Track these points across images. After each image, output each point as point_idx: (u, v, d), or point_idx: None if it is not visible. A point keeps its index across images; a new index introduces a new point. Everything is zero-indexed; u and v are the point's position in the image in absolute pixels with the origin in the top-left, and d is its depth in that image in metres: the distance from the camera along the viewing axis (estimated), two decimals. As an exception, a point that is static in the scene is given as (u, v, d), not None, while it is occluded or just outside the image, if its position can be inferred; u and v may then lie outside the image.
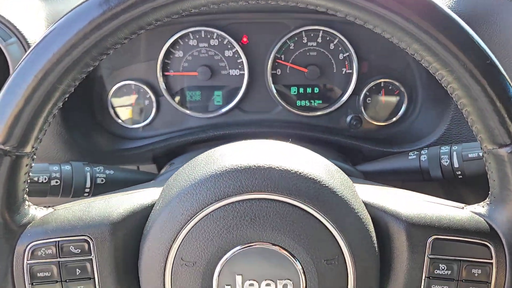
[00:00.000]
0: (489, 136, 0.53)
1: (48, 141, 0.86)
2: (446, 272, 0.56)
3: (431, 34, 0.51)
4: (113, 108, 0.96)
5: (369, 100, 0.97)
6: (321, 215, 0.53)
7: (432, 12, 0.51)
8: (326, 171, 0.57)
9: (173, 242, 0.53)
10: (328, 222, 0.53)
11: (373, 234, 0.56)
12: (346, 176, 0.61)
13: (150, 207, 0.58)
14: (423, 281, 0.56)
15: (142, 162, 0.95)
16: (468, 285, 0.56)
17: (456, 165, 0.71)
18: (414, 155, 0.77)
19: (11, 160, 0.53)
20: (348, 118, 0.96)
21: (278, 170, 0.54)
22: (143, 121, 0.97)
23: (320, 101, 0.98)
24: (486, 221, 0.56)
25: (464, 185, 0.85)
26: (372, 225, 0.57)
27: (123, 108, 0.97)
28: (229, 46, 0.94)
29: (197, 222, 0.53)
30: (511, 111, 0.51)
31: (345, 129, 0.97)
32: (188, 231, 0.53)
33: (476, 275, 0.56)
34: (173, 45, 0.94)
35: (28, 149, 0.54)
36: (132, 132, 0.98)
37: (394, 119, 0.97)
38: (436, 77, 0.54)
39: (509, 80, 0.52)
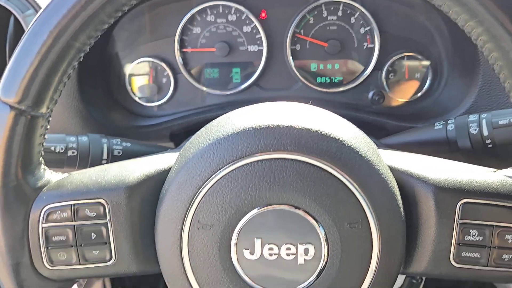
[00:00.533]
0: None
1: (66, 116, 0.85)
2: (477, 238, 0.53)
3: None
4: (131, 85, 0.95)
5: (392, 76, 0.94)
6: (344, 176, 0.51)
7: None
8: (349, 132, 0.54)
9: (190, 204, 0.52)
10: (351, 183, 0.51)
11: (399, 198, 0.53)
12: (371, 140, 0.58)
13: (167, 171, 0.57)
14: (452, 248, 0.53)
15: (159, 140, 0.94)
16: (502, 252, 0.53)
17: (485, 133, 0.68)
18: (440, 125, 0.74)
19: (26, 120, 0.52)
20: (370, 94, 0.93)
21: (298, 129, 0.52)
22: (161, 99, 0.96)
23: (341, 78, 0.95)
24: None
25: (494, 156, 0.80)
26: (397, 188, 0.54)
27: (141, 85, 0.96)
28: (247, 22, 0.93)
29: (214, 183, 0.51)
30: None
31: (367, 105, 0.94)
32: (206, 193, 0.51)
33: (510, 241, 0.52)
34: (190, 21, 0.93)
35: (43, 109, 0.53)
36: (150, 110, 0.97)
37: (419, 94, 0.93)
38: (466, 31, 0.51)
39: None
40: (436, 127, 0.74)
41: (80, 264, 0.55)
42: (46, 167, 0.57)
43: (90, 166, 0.75)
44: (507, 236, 0.52)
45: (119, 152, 0.75)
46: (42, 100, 0.52)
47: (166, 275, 0.54)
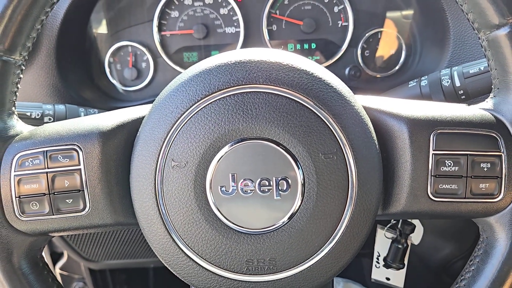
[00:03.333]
0: (485, 19, 0.51)
1: (43, 93, 0.85)
2: (453, 168, 0.53)
3: None
4: (111, 70, 0.96)
5: (367, 52, 0.96)
6: (316, 107, 0.51)
7: None
8: (321, 69, 0.55)
9: (164, 142, 0.51)
10: (325, 114, 0.51)
11: (373, 132, 0.53)
12: (343, 82, 0.59)
13: (141, 119, 0.56)
14: (429, 180, 0.53)
15: None
16: (478, 182, 0.53)
17: (457, 84, 0.69)
18: (414, 82, 0.75)
19: None
20: (347, 70, 0.95)
21: (269, 63, 0.52)
22: (141, 83, 0.97)
23: (318, 57, 0.97)
24: (491, 113, 0.54)
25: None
26: (371, 124, 0.54)
27: (121, 70, 0.97)
28: (224, 4, 0.95)
29: (187, 120, 0.51)
30: None
31: (345, 81, 0.95)
32: (179, 130, 0.51)
33: (485, 169, 0.52)
34: (168, 4, 0.95)
35: (16, 55, 0.53)
36: (130, 94, 0.97)
37: (396, 68, 0.95)
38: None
39: None
40: (410, 85, 0.75)
41: (53, 214, 0.53)
42: (19, 119, 0.56)
43: (67, 135, 0.74)
44: (482, 165, 0.52)
45: (96, 122, 0.75)
46: (15, 45, 0.52)
47: (141, 221, 0.53)
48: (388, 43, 0.95)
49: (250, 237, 0.51)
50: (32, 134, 0.55)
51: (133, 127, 0.55)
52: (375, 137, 0.53)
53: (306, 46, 0.97)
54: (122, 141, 0.54)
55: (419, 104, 0.56)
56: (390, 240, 0.84)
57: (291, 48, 0.97)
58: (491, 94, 0.55)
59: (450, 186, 0.53)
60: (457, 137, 0.53)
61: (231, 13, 0.95)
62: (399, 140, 0.53)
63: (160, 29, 0.95)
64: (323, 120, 0.51)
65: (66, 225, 0.54)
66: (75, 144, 0.53)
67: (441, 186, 0.53)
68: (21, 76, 0.55)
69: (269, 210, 0.51)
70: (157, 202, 0.51)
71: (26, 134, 0.55)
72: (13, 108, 0.55)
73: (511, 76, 0.51)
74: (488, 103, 0.55)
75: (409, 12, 0.94)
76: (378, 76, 0.96)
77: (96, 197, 0.53)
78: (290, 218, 0.51)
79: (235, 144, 0.50)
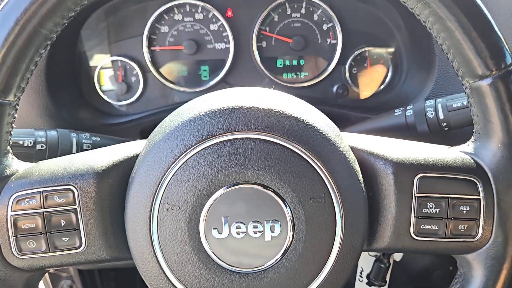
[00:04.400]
0: (468, 70, 0.53)
1: (34, 114, 0.85)
2: (434, 210, 0.55)
3: None
4: (100, 84, 0.96)
5: (355, 70, 0.98)
6: (306, 154, 0.53)
7: None
8: (311, 113, 0.57)
9: (159, 185, 0.53)
10: (314, 160, 0.53)
11: (360, 174, 0.56)
12: (332, 122, 0.60)
13: (136, 157, 0.57)
14: (412, 221, 0.55)
15: (130, 137, 0.94)
16: (458, 223, 0.55)
17: (441, 116, 0.72)
18: (399, 111, 0.77)
19: None
20: (335, 88, 0.96)
21: (261, 109, 0.54)
22: (130, 98, 0.97)
23: (307, 73, 0.98)
24: (472, 157, 0.56)
25: (453, 140, 0.84)
26: (358, 166, 0.56)
27: (110, 85, 0.97)
28: (214, 20, 0.95)
29: (181, 164, 0.52)
30: (487, 40, 0.51)
31: (333, 99, 0.97)
32: (173, 174, 0.52)
33: (464, 212, 0.55)
34: (158, 20, 0.95)
35: (10, 97, 0.53)
36: (119, 109, 0.98)
37: (382, 87, 0.97)
38: (415, 14, 0.54)
39: (484, 9, 0.52)
40: (396, 114, 0.77)
41: (49, 252, 0.54)
42: (14, 157, 0.57)
43: (59, 161, 0.75)
44: (462, 207, 0.55)
45: (88, 146, 0.76)
46: (9, 87, 0.53)
47: (136, 259, 0.55)
48: (376, 62, 0.97)
49: (242, 276, 0.54)
50: (27, 173, 0.55)
51: (127, 165, 0.57)
52: (361, 179, 0.55)
53: (295, 62, 0.98)
54: (117, 179, 0.56)
55: (404, 146, 0.58)
56: (374, 258, 0.88)
57: (280, 64, 0.98)
58: (472, 138, 0.58)
59: (431, 227, 0.56)
60: (439, 181, 0.55)
61: (221, 29, 0.96)
62: (385, 182, 0.56)
63: (150, 43, 0.95)
64: (313, 166, 0.53)
65: (62, 261, 0.56)
66: (70, 185, 0.54)
67: (422, 226, 0.56)
68: (16, 115, 0.56)
69: (260, 251, 0.53)
70: (151, 242, 0.53)
71: (22, 173, 0.56)
72: (8, 147, 0.56)
73: (492, 125, 0.54)
74: (469, 146, 0.58)
75: (398, 33, 0.95)
76: (365, 94, 0.98)
77: (91, 235, 0.54)
78: (280, 258, 0.53)
79: (227, 189, 0.52)
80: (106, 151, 0.58)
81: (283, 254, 0.53)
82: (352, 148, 0.57)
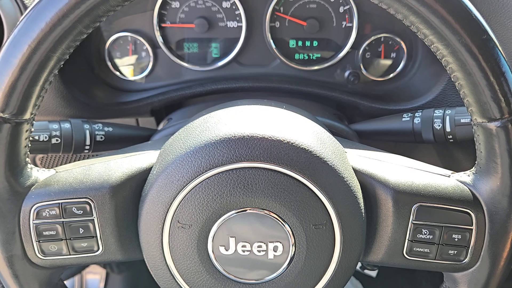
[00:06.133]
0: (480, 110, 0.54)
1: (47, 97, 0.86)
2: (428, 236, 0.59)
3: (429, 6, 0.50)
4: (111, 60, 0.96)
5: (368, 55, 0.96)
6: (311, 183, 0.55)
7: None
8: (318, 140, 0.58)
9: (170, 206, 0.56)
10: (318, 189, 0.56)
11: (361, 200, 0.59)
12: (338, 143, 0.62)
13: (148, 170, 0.61)
14: (406, 243, 0.59)
15: (140, 115, 0.96)
16: (448, 248, 0.59)
17: (448, 129, 0.73)
18: (407, 117, 0.78)
19: (11, 127, 0.54)
20: (346, 74, 0.95)
21: (271, 140, 0.56)
22: (141, 73, 0.97)
23: (319, 55, 0.97)
24: (470, 189, 0.59)
25: (457, 146, 0.86)
26: (360, 191, 0.59)
27: (120, 60, 0.96)
28: (226, -3, 0.92)
29: (192, 188, 0.55)
30: (503, 87, 0.52)
31: (343, 84, 0.97)
32: (184, 196, 0.56)
33: (456, 239, 0.59)
34: (169, -5, 0.92)
35: (27, 115, 0.55)
36: (130, 84, 0.98)
37: (392, 75, 0.96)
38: (432, 50, 0.54)
39: (503, 55, 0.51)
40: (404, 119, 0.78)
41: (70, 254, 0.60)
42: (33, 166, 0.60)
43: (74, 152, 0.78)
44: (454, 235, 0.59)
45: (101, 138, 0.78)
46: (25, 107, 0.54)
47: (150, 264, 0.60)
48: (390, 49, 0.95)
49: (245, 286, 0.59)
50: (47, 184, 0.59)
51: (140, 178, 0.60)
52: (362, 206, 0.59)
53: (308, 43, 0.96)
54: (131, 192, 0.60)
55: (405, 171, 0.61)
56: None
57: (293, 45, 0.96)
58: (473, 169, 0.60)
59: (423, 250, 0.60)
60: (436, 211, 0.59)
61: (234, 7, 0.93)
62: (384, 207, 0.59)
63: (160, 19, 0.93)
64: (317, 195, 0.56)
65: (82, 261, 0.62)
66: (87, 197, 0.58)
67: (415, 248, 0.60)
68: (33, 129, 0.58)
69: (262, 266, 0.58)
70: (163, 253, 0.58)
71: (42, 183, 0.59)
72: (27, 159, 0.59)
73: (495, 165, 0.56)
74: (469, 177, 0.60)
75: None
76: (375, 79, 0.97)
77: (108, 241, 0.59)
78: (281, 273, 0.58)
79: (235, 213, 0.56)
80: (120, 163, 0.61)
81: (283, 270, 0.58)
82: (355, 171, 0.60)
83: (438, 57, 0.54)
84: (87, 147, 0.77)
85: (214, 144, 0.56)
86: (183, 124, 0.67)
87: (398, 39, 0.94)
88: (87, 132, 0.77)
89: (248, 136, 0.56)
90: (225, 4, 0.93)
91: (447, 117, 0.73)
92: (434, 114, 0.74)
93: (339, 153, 0.60)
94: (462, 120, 0.71)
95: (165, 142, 0.63)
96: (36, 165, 1.00)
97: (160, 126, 0.90)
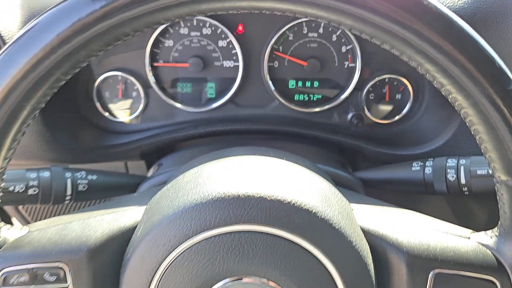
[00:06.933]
0: (505, 167, 0.48)
1: (27, 140, 0.80)
2: None
3: (447, 53, 0.45)
4: (99, 100, 0.90)
5: (372, 96, 0.91)
6: (315, 249, 0.49)
7: (449, 29, 0.45)
8: (322, 198, 0.52)
9: (154, 274, 0.50)
10: (323, 256, 0.49)
11: (371, 267, 0.52)
12: (344, 199, 0.56)
13: (131, 230, 0.54)
14: None
15: (129, 159, 0.90)
16: None
17: (463, 181, 0.67)
18: (418, 166, 0.72)
19: None
20: (349, 116, 0.90)
21: (269, 200, 0.50)
22: (131, 114, 0.91)
23: (320, 96, 0.92)
24: (493, 254, 0.52)
25: (471, 198, 0.80)
26: (370, 256, 0.53)
27: (110, 100, 0.91)
28: (223, 36, 0.87)
29: (180, 254, 0.49)
30: None
31: (345, 127, 0.91)
32: (170, 263, 0.49)
33: None
34: (162, 33, 0.87)
35: None
36: (119, 126, 0.92)
37: (397, 117, 0.91)
38: (449, 100, 0.48)
39: None
40: (414, 168, 0.72)
41: None
42: (2, 224, 0.53)
43: (53, 203, 0.71)
44: None
45: (84, 187, 0.72)
46: None
47: None
48: (395, 90, 0.90)
49: None
50: (17, 245, 0.52)
51: (122, 239, 0.54)
52: (372, 274, 0.52)
53: (308, 84, 0.91)
54: (111, 255, 0.53)
55: (420, 229, 0.54)
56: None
57: (292, 85, 0.91)
58: (495, 230, 0.53)
59: None
60: (456, 279, 0.52)
61: (230, 46, 0.88)
62: (397, 274, 0.53)
63: (152, 58, 0.88)
64: (321, 262, 0.50)
65: None
66: (62, 262, 0.51)
67: None
68: (3, 184, 0.52)
69: None
70: None
71: (11, 245, 0.52)
72: None
73: None
74: (491, 239, 0.53)
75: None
76: (379, 122, 0.91)
77: None
78: None
79: (229, 283, 0.49)
80: (100, 221, 0.55)
81: None
82: (364, 231, 0.54)
83: (456, 108, 0.49)
84: (68, 198, 0.71)
85: (205, 204, 0.50)
86: (173, 174, 0.61)
87: (403, 80, 0.89)
88: (69, 181, 0.70)
89: (243, 195, 0.50)
90: (221, 43, 0.88)
91: (462, 168, 0.67)
92: (447, 164, 0.69)
93: (346, 212, 0.54)
94: (479, 172, 0.66)
95: (152, 198, 0.56)
96: (19, 212, 0.93)
97: (150, 172, 0.84)
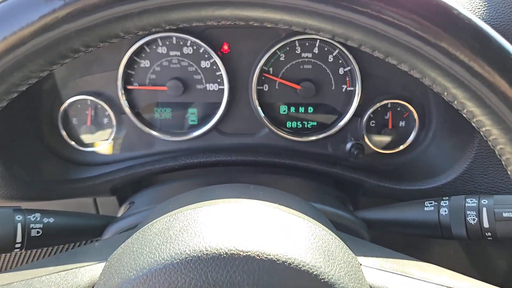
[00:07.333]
0: None
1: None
2: None
3: (484, 78, 0.35)
4: (65, 127, 0.79)
5: (373, 123, 0.81)
6: None
7: (486, 46, 0.35)
8: (324, 255, 0.42)
9: None
10: None
11: None
12: (350, 252, 0.45)
13: None
14: None
15: (98, 195, 0.79)
16: None
17: (486, 225, 0.57)
18: (431, 206, 0.62)
19: None
20: (348, 146, 0.80)
21: (259, 260, 0.39)
22: (101, 144, 0.80)
23: (315, 123, 0.82)
24: None
25: (490, 243, 0.70)
26: None
27: (77, 127, 0.80)
28: (206, 56, 0.78)
29: None
30: None
31: (344, 157, 0.81)
32: None
33: None
34: (137, 52, 0.77)
35: None
36: (88, 156, 0.81)
37: (402, 147, 0.81)
38: (482, 133, 0.39)
39: None
40: (426, 208, 0.62)
41: None
42: None
43: (0, 252, 0.59)
44: None
45: (38, 232, 0.60)
46: None
47: None
48: (399, 117, 0.81)
49: None
50: None
51: None
52: None
53: (301, 109, 0.82)
54: None
55: None
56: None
57: (284, 111, 0.82)
58: None
59: None
60: None
61: (214, 67, 0.78)
62: None
63: (126, 80, 0.78)
64: None
65: None
66: None
67: None
68: None
69: None
70: None
71: None
72: None
73: None
74: None
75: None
76: (382, 152, 0.82)
77: None
78: None
79: None
80: (47, 284, 0.43)
81: None
82: None
83: (490, 143, 0.39)
84: (18, 246, 0.59)
85: (176, 265, 0.39)
86: (144, 218, 0.50)
87: (407, 106, 0.79)
88: (19, 226, 0.59)
89: (226, 253, 0.39)
90: (204, 64, 0.78)
91: (484, 209, 0.57)
92: (467, 204, 0.59)
93: (354, 270, 0.43)
94: (505, 214, 0.56)
95: (113, 253, 0.45)
96: None
97: (120, 212, 0.73)
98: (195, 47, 0.77)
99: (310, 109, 0.81)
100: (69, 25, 0.35)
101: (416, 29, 0.35)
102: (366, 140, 0.81)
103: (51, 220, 0.62)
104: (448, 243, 0.77)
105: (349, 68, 0.79)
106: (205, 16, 0.36)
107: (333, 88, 0.80)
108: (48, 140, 0.79)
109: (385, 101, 0.79)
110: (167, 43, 0.77)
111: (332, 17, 0.35)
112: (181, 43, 0.77)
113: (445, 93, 0.38)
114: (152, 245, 0.42)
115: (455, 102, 0.38)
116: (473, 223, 0.57)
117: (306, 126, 0.82)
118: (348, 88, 0.80)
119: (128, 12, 0.35)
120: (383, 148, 0.82)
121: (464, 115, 0.39)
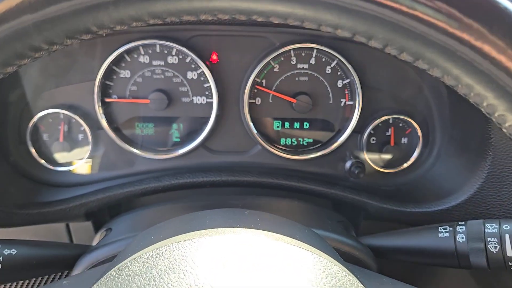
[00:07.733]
0: None
1: None
2: None
3: None
4: (34, 144, 0.71)
5: (373, 140, 0.75)
6: None
7: None
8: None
9: None
10: None
11: None
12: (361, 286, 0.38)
13: None
14: None
15: (71, 220, 0.71)
16: None
17: (509, 253, 0.50)
18: (446, 231, 0.55)
19: None
20: (348, 164, 0.74)
21: None
22: (75, 163, 0.72)
23: (311, 140, 0.76)
24: None
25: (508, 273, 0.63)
26: None
27: (48, 144, 0.72)
28: (193, 66, 0.71)
29: None
30: None
31: (343, 177, 0.75)
32: None
33: None
34: (116, 61, 0.70)
35: None
36: (60, 177, 0.73)
37: (405, 165, 0.75)
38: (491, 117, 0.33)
39: None
40: (441, 235, 0.55)
41: None
42: None
43: None
44: None
45: (-3, 266, 0.51)
46: None
47: None
48: (401, 133, 0.75)
49: None
50: None
51: None
52: None
53: (297, 125, 0.75)
54: None
55: None
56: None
57: (278, 127, 0.75)
58: None
59: None
60: None
61: (202, 79, 0.72)
62: None
63: (104, 92, 0.71)
64: None
65: None
66: None
67: None
68: None
69: None
70: None
71: None
72: None
73: None
74: None
75: (434, 100, 0.73)
76: (384, 171, 0.76)
77: None
78: None
79: None
80: None
81: None
82: None
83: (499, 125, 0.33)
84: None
85: None
86: (122, 250, 0.42)
87: (410, 121, 0.74)
88: None
89: None
90: (191, 75, 0.72)
91: (507, 236, 0.51)
92: (487, 230, 0.52)
93: None
94: (532, 242, 0.49)
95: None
96: None
97: (96, 240, 0.64)
98: (180, 56, 0.71)
99: (306, 125, 0.75)
100: (26, 16, 0.28)
101: (464, 35, 0.29)
102: (367, 158, 0.75)
103: (14, 251, 0.53)
104: (459, 272, 0.70)
105: (348, 80, 0.73)
106: (198, 8, 0.29)
107: (331, 102, 0.74)
108: (15, 158, 0.71)
109: (387, 116, 0.73)
110: (150, 51, 0.70)
111: (355, 11, 0.29)
112: (166, 51, 0.70)
113: (485, 103, 0.32)
114: (133, 281, 0.34)
115: (496, 114, 0.32)
116: (494, 252, 0.51)
117: (301, 143, 0.76)
118: (347, 102, 0.74)
119: (101, 0, 0.28)
120: (385, 167, 0.76)
121: (507, 130, 0.33)
